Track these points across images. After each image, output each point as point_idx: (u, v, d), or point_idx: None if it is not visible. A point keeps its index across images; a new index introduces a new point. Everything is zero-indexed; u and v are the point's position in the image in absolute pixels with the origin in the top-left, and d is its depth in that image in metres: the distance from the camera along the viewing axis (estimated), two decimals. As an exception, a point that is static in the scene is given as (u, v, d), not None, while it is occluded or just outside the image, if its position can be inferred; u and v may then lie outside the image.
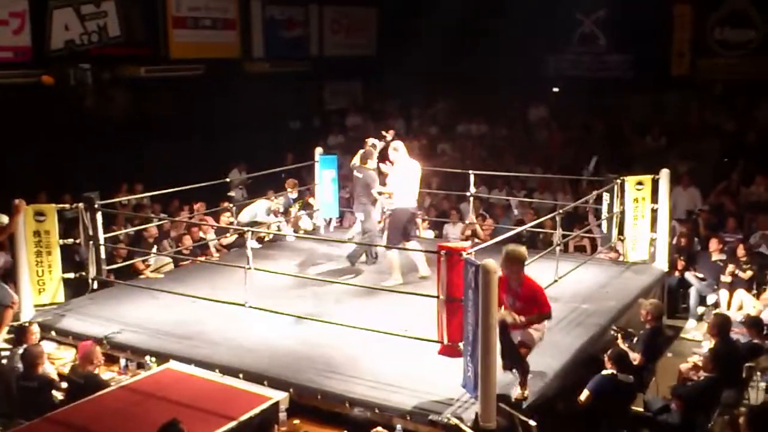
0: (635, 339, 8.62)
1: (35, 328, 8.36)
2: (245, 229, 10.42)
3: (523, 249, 7.16)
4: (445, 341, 7.36)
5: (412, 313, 8.49)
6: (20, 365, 7.68)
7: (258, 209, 12.38)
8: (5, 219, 9.21)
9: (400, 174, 10.32)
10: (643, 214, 11.08)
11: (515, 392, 7.08)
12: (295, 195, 12.77)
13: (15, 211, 9.04)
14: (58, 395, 7.62)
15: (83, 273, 9.92)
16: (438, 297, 7.36)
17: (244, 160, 16.03)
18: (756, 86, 18.62)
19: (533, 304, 7.01)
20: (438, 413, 6.73)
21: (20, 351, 7.83)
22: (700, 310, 11.47)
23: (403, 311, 8.83)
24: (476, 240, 12.22)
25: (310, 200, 13.14)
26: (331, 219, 12.96)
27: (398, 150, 10.37)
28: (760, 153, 16.49)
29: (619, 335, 8.49)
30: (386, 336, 8.00)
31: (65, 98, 15.97)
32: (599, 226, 11.92)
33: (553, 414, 7.42)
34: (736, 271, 11.21)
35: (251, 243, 11.97)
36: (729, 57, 19.52)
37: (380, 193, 10.64)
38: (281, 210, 12.56)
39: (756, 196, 14.43)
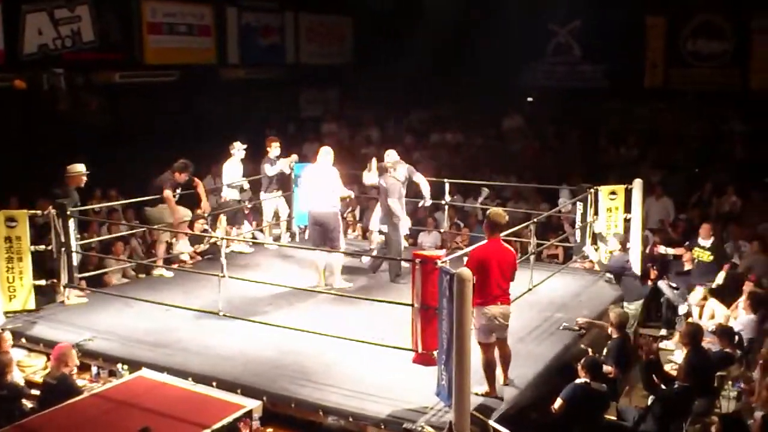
0: (605, 351, 8.66)
1: (7, 335, 8.25)
2: (220, 237, 10.37)
3: (498, 213, 7.38)
4: (420, 350, 7.37)
5: (387, 322, 8.49)
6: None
7: (233, 174, 12.24)
8: (81, 167, 10.08)
9: (305, 178, 10.58)
10: (617, 224, 11.15)
11: (482, 389, 7.15)
12: (277, 152, 12.31)
13: None
14: (28, 404, 7.53)
15: (55, 280, 9.82)
16: (413, 305, 7.36)
17: (218, 166, 15.94)
18: (727, 97, 18.87)
19: None
20: (412, 422, 6.73)
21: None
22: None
23: (377, 319, 8.83)
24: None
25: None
26: (306, 227, 12.88)
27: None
28: (731, 163, 16.72)
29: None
30: (361, 344, 8.00)
31: (38, 103, 15.82)
32: (573, 235, 11.99)
33: (527, 423, 7.44)
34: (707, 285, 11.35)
35: (242, 247, 11.97)
36: (701, 68, 19.75)
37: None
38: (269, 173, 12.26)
39: (728, 206, 14.58)
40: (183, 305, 9.21)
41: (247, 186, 12.56)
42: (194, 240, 11.92)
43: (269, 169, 12.18)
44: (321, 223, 10.24)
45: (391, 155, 11.26)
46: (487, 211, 7.55)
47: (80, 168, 10.25)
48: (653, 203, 14.33)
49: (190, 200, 11.45)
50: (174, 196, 10.91)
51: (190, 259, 12.27)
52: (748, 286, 10.83)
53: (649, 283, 11.66)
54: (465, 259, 7.39)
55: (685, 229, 13.62)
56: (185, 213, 11.14)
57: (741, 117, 18.56)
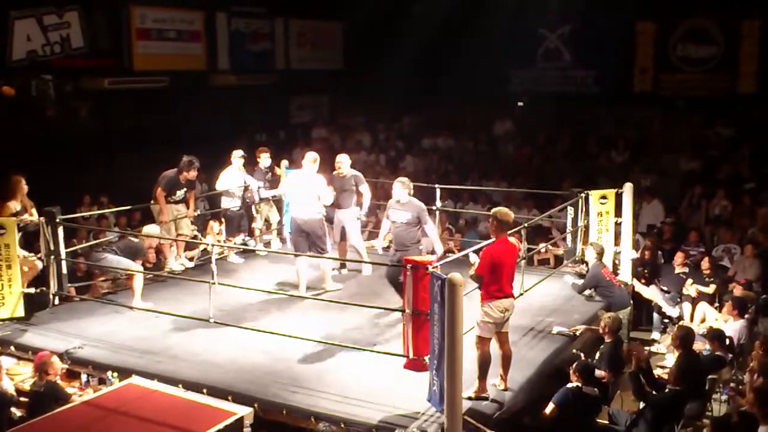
0: (597, 355, 8.66)
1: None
2: (210, 243, 10.34)
3: (506, 212, 7.44)
4: (411, 355, 7.35)
5: (378, 327, 8.47)
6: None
7: (230, 182, 12.05)
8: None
9: (289, 184, 10.58)
10: (607, 228, 11.16)
11: (472, 389, 7.16)
12: (268, 162, 12.39)
13: None
14: (17, 412, 7.48)
15: (44, 288, 9.76)
16: (404, 311, 7.34)
17: (207, 173, 15.93)
18: (717, 101, 18.95)
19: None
20: (404, 427, 6.71)
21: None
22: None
23: (369, 325, 8.81)
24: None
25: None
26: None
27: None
28: (722, 167, 16.76)
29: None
30: (352, 350, 7.98)
31: (27, 109, 15.75)
32: (564, 239, 11.99)
33: (519, 427, 7.43)
34: (699, 288, 11.37)
35: (233, 258, 11.92)
36: (691, 72, 19.83)
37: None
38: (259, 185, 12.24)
39: (718, 210, 14.62)
40: (173, 312, 9.16)
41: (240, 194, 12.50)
42: (187, 247, 11.85)
43: (264, 192, 12.25)
44: (306, 231, 10.16)
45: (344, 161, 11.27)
46: (493, 211, 7.55)
47: (153, 231, 10.38)
48: (644, 207, 14.35)
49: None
50: (175, 194, 10.92)
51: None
52: (738, 290, 10.87)
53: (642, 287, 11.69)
54: (475, 259, 7.46)
55: (673, 233, 13.66)
56: (179, 213, 11.08)
57: (729, 121, 18.62)
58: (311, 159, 10.30)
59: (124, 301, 9.89)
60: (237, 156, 12.09)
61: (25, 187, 9.84)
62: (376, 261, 10.58)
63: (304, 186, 10.20)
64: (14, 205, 9.62)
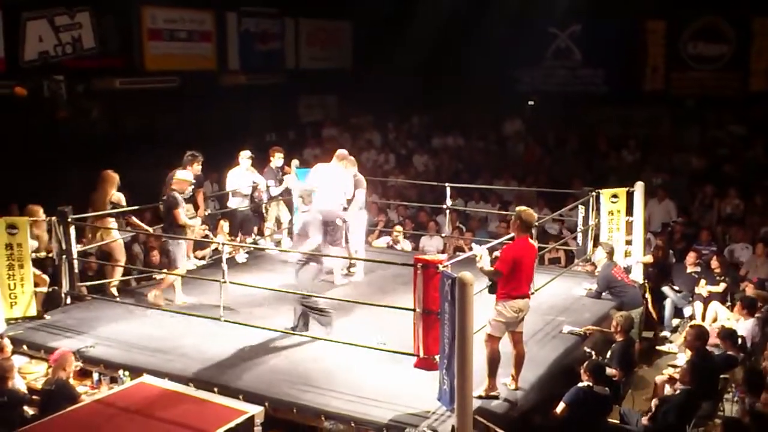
0: (609, 354, 8.64)
1: (6, 341, 8.24)
2: (220, 242, 10.36)
3: (530, 213, 7.44)
4: (422, 354, 7.35)
5: (389, 326, 8.47)
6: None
7: (238, 183, 12.09)
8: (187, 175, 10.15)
9: (315, 177, 10.52)
10: (618, 227, 11.13)
11: (482, 387, 7.15)
12: (280, 162, 12.28)
13: None
14: (30, 411, 7.52)
15: (56, 287, 9.80)
16: (414, 310, 7.34)
17: (217, 172, 15.96)
18: (728, 99, 18.86)
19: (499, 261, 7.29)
20: (414, 426, 6.70)
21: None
22: (675, 322, 11.56)
23: (379, 324, 8.81)
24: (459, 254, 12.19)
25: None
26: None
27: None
28: (733, 165, 16.68)
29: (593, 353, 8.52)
30: (362, 349, 7.98)
31: (39, 110, 15.81)
32: (575, 238, 11.96)
33: (530, 427, 7.42)
34: (708, 287, 11.33)
35: (240, 257, 11.95)
36: (702, 71, 19.75)
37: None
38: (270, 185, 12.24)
39: (730, 209, 14.55)
40: (184, 311, 9.18)
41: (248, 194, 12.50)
42: (196, 246, 11.88)
43: (274, 190, 12.20)
44: (326, 222, 10.18)
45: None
46: (517, 209, 7.55)
47: (187, 176, 10.19)
48: (655, 206, 14.30)
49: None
50: (182, 192, 10.93)
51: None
52: (750, 289, 10.82)
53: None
54: (479, 251, 7.39)
55: (684, 232, 13.60)
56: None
57: (741, 119, 18.54)
58: (340, 156, 10.49)
59: (135, 300, 9.93)
60: (245, 156, 12.10)
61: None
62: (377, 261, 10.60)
63: (330, 179, 10.26)
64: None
